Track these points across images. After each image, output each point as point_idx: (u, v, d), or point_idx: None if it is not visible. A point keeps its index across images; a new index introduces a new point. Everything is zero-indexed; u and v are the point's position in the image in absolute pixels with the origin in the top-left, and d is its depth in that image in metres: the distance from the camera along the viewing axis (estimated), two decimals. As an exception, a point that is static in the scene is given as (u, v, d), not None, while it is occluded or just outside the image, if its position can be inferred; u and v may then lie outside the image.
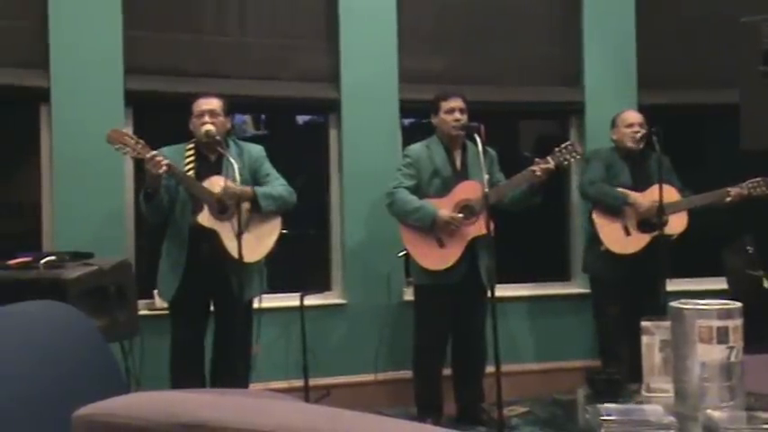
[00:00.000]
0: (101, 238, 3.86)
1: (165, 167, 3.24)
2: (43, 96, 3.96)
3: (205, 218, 3.38)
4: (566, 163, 3.74)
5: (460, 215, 3.69)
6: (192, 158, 3.49)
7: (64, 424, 1.23)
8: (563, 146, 3.71)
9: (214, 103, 3.52)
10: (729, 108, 3.55)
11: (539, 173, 3.63)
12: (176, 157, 3.44)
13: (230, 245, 3.33)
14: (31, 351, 1.81)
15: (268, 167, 3.64)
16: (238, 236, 3.20)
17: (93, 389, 1.78)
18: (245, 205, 3.39)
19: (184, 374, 3.47)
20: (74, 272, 3.09)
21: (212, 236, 3.38)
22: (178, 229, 3.48)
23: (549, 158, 3.67)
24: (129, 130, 4.05)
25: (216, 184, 3.39)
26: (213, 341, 3.63)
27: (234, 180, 3.23)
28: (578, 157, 3.78)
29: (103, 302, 3.19)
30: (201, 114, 3.48)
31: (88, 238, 3.78)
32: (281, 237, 3.58)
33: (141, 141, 3.29)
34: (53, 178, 3.97)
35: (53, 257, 3.23)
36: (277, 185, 3.58)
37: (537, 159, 3.68)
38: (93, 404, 1.19)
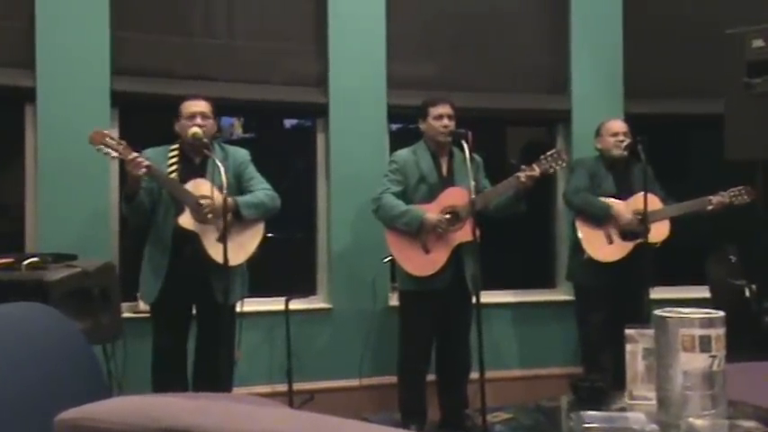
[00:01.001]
0: (85, 239, 3.83)
1: (144, 169, 3.22)
2: (29, 96, 3.93)
3: (186, 220, 3.36)
4: (551, 170, 3.75)
5: (447, 215, 3.70)
6: (175, 161, 3.47)
7: (46, 427, 1.22)
8: (549, 153, 3.73)
9: (204, 106, 3.50)
10: (714, 118, 3.58)
11: (524, 179, 3.64)
12: (160, 159, 3.42)
13: (212, 248, 3.32)
14: (13, 353, 1.80)
15: (252, 171, 3.62)
16: (221, 239, 3.18)
17: (75, 392, 1.76)
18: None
19: (166, 378, 3.44)
20: (56, 274, 3.06)
21: (194, 239, 3.36)
22: (160, 232, 3.45)
23: (534, 165, 3.68)
24: (114, 131, 4.03)
25: (199, 186, 3.38)
26: (196, 345, 3.60)
27: (221, 184, 3.21)
28: (564, 164, 3.80)
29: (87, 305, 3.16)
30: (192, 116, 3.45)
31: (72, 240, 3.75)
32: (266, 240, 3.56)
33: (123, 143, 3.26)
34: (37, 179, 3.94)
35: (36, 259, 3.20)
36: (259, 192, 3.55)
37: (523, 167, 3.70)
38: (76, 408, 1.18)
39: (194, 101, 3.51)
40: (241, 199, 3.46)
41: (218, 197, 3.29)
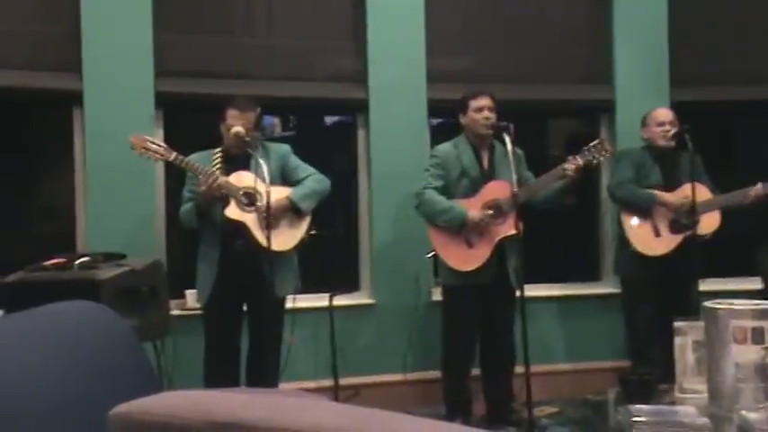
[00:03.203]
0: (133, 238, 3.92)
1: (217, 180, 3.34)
2: (76, 99, 4.03)
3: (233, 211, 3.43)
4: (595, 161, 3.69)
5: (490, 212, 3.68)
6: (219, 162, 3.53)
7: (99, 422, 1.25)
8: (592, 144, 3.67)
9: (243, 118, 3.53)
10: (763, 104, 3.49)
11: (569, 171, 3.60)
12: (204, 162, 3.50)
13: (260, 235, 3.38)
14: (66, 351, 1.85)
15: (295, 160, 3.68)
16: (267, 228, 3.23)
17: (127, 388, 1.80)
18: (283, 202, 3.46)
19: (219, 373, 3.49)
20: (107, 272, 3.13)
21: (243, 229, 3.42)
22: (210, 233, 3.53)
23: (577, 157, 3.63)
24: (160, 132, 4.12)
25: (242, 178, 3.45)
26: (249, 341, 3.64)
27: (264, 180, 3.26)
28: (608, 155, 3.72)
29: (136, 302, 3.23)
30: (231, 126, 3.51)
31: (120, 240, 3.83)
32: (311, 234, 3.59)
33: (164, 145, 3.34)
34: (86, 180, 4.04)
35: (87, 258, 3.28)
36: (307, 180, 3.61)
37: (569, 158, 3.65)
38: (129, 402, 1.21)
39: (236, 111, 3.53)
40: (294, 195, 3.51)
41: (275, 191, 3.32)
